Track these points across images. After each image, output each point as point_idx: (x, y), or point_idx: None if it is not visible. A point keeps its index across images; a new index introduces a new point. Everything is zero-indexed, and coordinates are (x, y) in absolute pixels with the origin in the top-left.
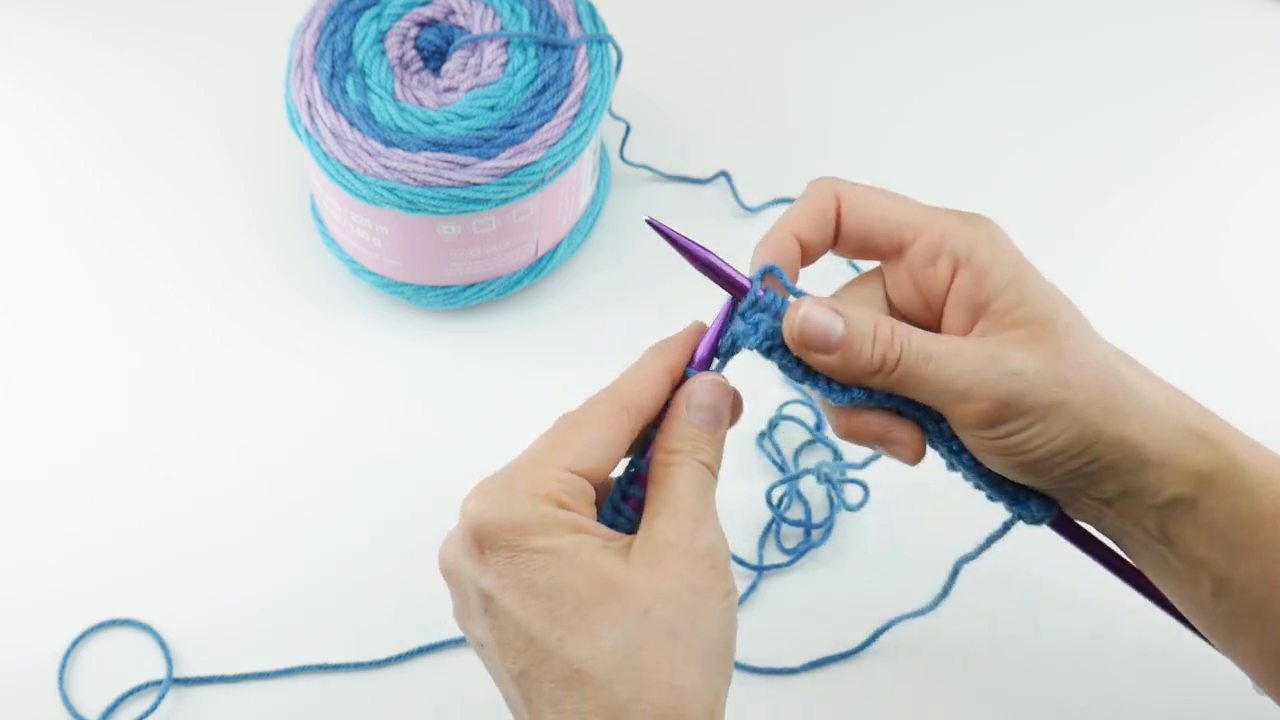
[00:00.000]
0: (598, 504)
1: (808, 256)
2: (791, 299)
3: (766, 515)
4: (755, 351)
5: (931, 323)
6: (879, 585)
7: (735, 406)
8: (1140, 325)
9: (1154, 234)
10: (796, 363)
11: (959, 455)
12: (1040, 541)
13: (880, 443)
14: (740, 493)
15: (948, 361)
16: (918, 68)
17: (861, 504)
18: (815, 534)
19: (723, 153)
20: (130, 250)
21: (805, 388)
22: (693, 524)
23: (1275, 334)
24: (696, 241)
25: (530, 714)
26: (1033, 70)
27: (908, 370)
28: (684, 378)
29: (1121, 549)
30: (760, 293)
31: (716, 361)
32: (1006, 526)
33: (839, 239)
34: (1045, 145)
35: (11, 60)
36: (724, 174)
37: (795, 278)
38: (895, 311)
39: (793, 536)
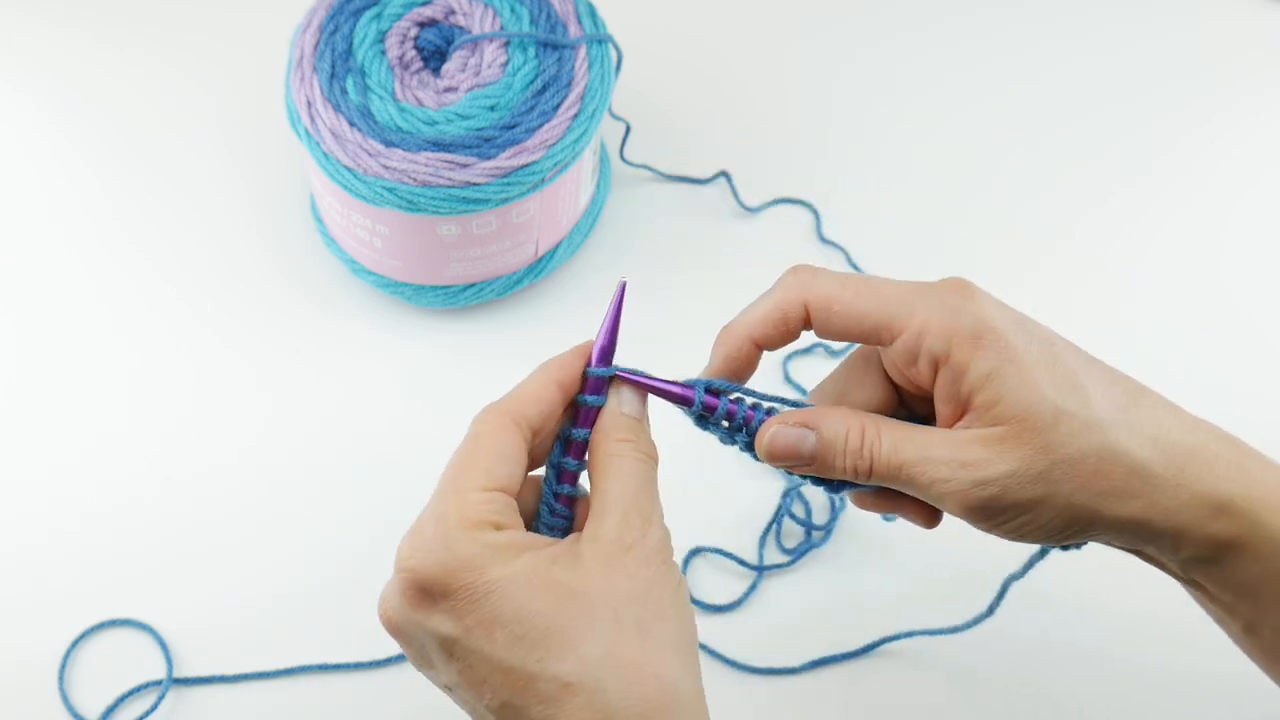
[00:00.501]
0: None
1: (770, 348)
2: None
3: (766, 515)
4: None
5: (928, 403)
6: (879, 586)
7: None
8: (1140, 325)
9: (1154, 234)
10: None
11: None
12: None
13: (895, 514)
14: (740, 493)
15: (919, 471)
16: (918, 68)
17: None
18: (816, 535)
19: (723, 153)
20: (130, 250)
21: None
22: (641, 523)
23: (1275, 334)
24: (640, 373)
25: None
26: (1033, 70)
27: (881, 478)
28: (584, 379)
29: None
30: (706, 401)
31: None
32: (1044, 551)
33: (817, 332)
34: (1045, 145)
35: (11, 60)
36: (724, 174)
37: (746, 378)
38: (897, 388)
39: (793, 536)
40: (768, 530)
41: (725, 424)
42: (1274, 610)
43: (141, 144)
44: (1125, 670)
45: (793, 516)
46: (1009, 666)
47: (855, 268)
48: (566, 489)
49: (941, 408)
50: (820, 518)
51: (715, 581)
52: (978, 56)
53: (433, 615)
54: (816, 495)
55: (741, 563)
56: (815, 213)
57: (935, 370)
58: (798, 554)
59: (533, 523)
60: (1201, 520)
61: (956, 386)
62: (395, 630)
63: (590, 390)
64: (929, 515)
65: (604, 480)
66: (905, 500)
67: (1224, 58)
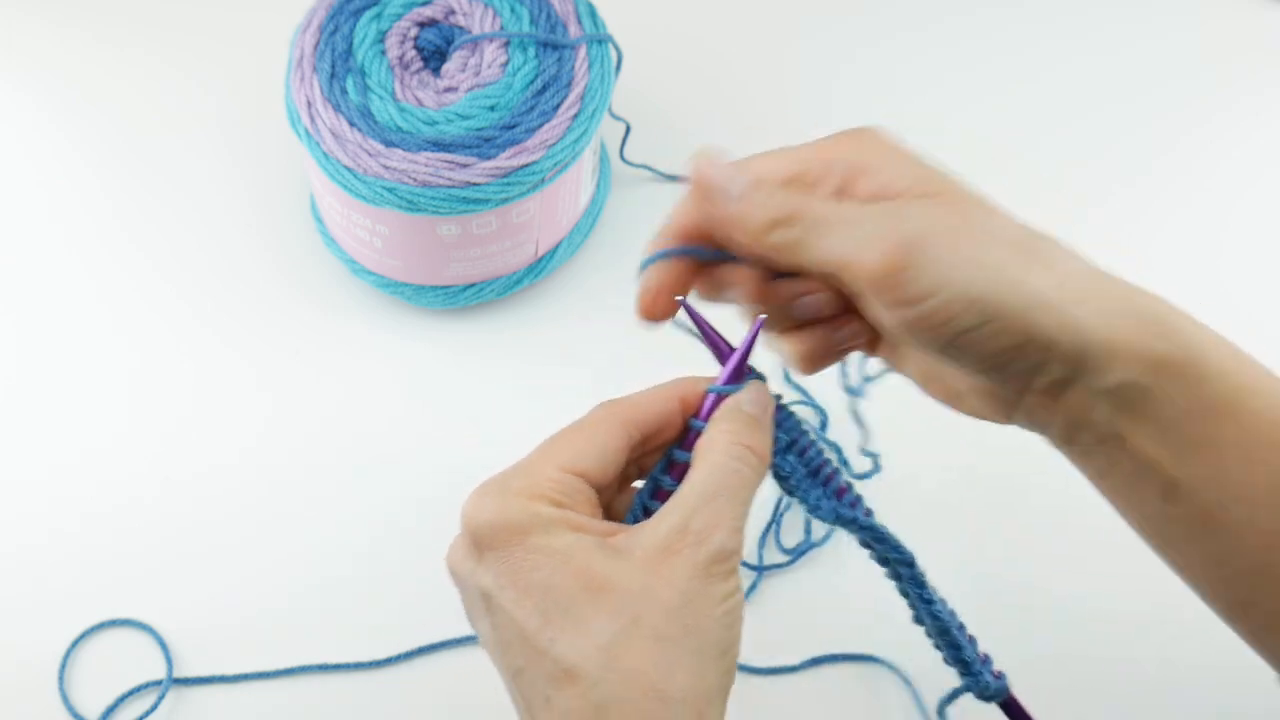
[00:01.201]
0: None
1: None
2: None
3: (766, 515)
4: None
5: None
6: (878, 585)
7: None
8: None
9: (1154, 234)
10: (788, 478)
11: (928, 605)
12: (1042, 545)
13: (835, 349)
14: None
15: (842, 211)
16: (918, 68)
17: (870, 474)
18: (815, 535)
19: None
20: (130, 250)
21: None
22: (702, 528)
23: (1276, 333)
24: (718, 333)
25: (527, 711)
26: (1033, 70)
27: (805, 226)
28: (704, 397)
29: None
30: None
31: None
32: (955, 693)
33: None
34: (1045, 145)
35: (11, 60)
36: None
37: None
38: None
39: (793, 535)
40: (767, 530)
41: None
42: (1195, 457)
43: (141, 144)
44: (1118, 661)
45: (804, 505)
46: (1009, 662)
47: None
48: (657, 505)
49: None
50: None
51: None
52: (977, 57)
53: (479, 567)
54: None
55: (742, 563)
56: None
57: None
58: (797, 554)
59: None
60: (1131, 328)
61: (874, 181)
62: (454, 576)
63: (706, 415)
64: (866, 327)
65: (693, 469)
66: (841, 322)
67: (1224, 58)
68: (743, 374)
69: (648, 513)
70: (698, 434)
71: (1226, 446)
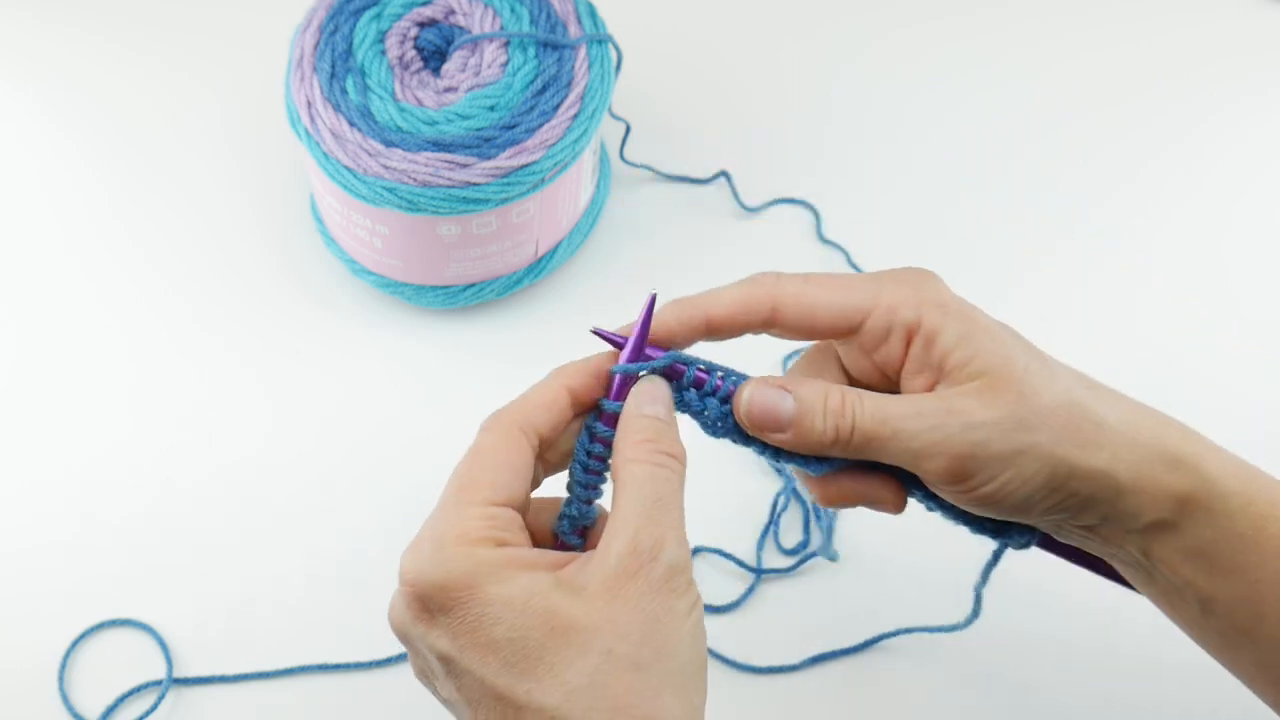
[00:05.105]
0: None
1: (716, 334)
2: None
3: (764, 515)
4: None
5: (891, 391)
6: (878, 585)
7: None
8: (1141, 324)
9: (1154, 234)
10: (760, 444)
11: (933, 500)
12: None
13: (862, 503)
14: (739, 492)
15: (903, 423)
16: (917, 67)
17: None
18: (814, 539)
19: (723, 153)
20: (130, 251)
21: (786, 467)
22: (652, 544)
23: (1276, 333)
24: (618, 334)
25: None
26: (1033, 69)
27: (865, 437)
28: (610, 378)
29: (1115, 566)
30: (674, 367)
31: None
32: (997, 556)
33: (784, 330)
34: (1045, 144)
35: (11, 60)
36: (724, 174)
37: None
38: (854, 382)
39: (792, 534)
40: (765, 532)
41: (694, 390)
42: (1227, 580)
43: (142, 144)
44: (1126, 659)
45: (812, 509)
46: (1009, 660)
47: (855, 268)
48: (584, 495)
49: (912, 381)
50: (818, 526)
51: (715, 581)
52: (977, 55)
53: (432, 630)
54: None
55: (741, 564)
56: (815, 213)
57: (907, 345)
58: (796, 556)
59: (553, 528)
60: (1159, 473)
61: (929, 353)
62: (401, 639)
63: (617, 395)
64: (897, 496)
65: (621, 491)
66: (873, 482)
67: (1224, 58)
68: (641, 356)
69: (585, 489)
70: (612, 415)
71: (1253, 570)
